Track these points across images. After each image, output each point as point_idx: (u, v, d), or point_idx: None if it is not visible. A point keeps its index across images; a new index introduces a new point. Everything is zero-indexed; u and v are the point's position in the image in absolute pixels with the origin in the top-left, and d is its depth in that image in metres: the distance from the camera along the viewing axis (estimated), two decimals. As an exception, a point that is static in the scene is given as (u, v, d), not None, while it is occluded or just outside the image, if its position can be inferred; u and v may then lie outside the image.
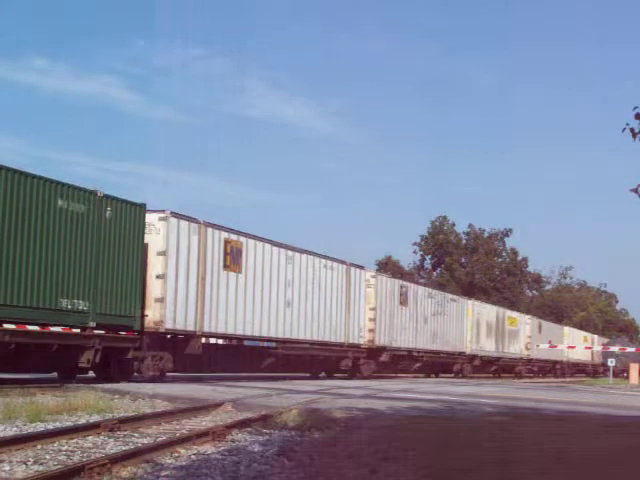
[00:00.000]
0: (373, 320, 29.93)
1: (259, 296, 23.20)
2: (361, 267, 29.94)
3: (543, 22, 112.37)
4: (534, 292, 79.32)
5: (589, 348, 58.78)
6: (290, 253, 25.00)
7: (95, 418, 10.55)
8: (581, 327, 68.54)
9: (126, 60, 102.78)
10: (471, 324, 40.33)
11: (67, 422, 10.13)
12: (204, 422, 10.92)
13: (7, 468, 6.80)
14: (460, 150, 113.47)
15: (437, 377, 37.92)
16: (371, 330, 29.88)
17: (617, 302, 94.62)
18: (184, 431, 9.63)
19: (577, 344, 58.64)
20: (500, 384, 31.48)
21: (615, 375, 43.72)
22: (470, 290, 60.10)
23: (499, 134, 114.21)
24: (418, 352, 34.26)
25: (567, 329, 60.24)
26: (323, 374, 29.77)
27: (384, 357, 30.99)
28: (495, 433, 10.58)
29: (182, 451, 8.07)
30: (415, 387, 22.78)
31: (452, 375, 39.48)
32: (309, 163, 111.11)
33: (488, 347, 42.69)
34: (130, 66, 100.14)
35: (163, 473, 6.84)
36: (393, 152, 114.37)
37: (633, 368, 40.77)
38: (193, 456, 7.85)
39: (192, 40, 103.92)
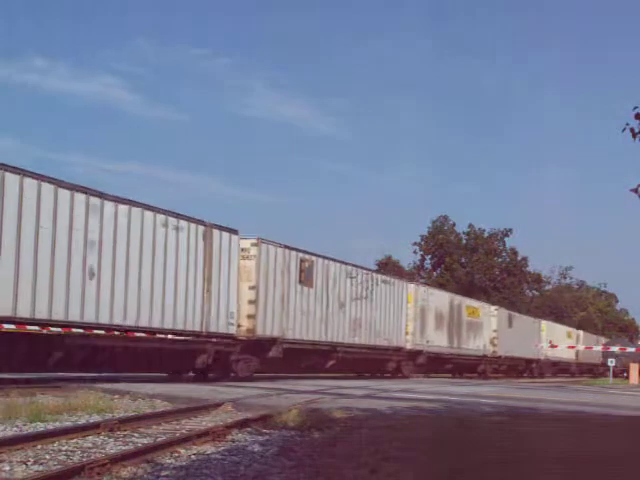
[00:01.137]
0: (254, 303, 22.68)
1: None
2: (233, 231, 22.11)
3: (544, 23, 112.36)
4: (534, 292, 79.29)
5: (589, 348, 57.85)
6: (97, 201, 17.58)
7: (95, 418, 10.55)
8: (581, 327, 68.29)
9: (126, 60, 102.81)
10: (413, 313, 33.20)
11: (67, 422, 10.14)
12: (204, 422, 10.92)
13: (7, 468, 6.81)
14: (460, 150, 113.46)
15: (366, 378, 29.41)
16: (251, 316, 22.65)
17: (617, 302, 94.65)
18: (184, 431, 9.63)
19: (558, 340, 53.02)
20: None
21: (615, 375, 43.70)
22: (470, 290, 60.04)
23: (499, 134, 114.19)
24: (330, 345, 26.96)
25: (545, 323, 54.06)
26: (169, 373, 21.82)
27: (274, 352, 23.68)
28: (495, 433, 10.59)
29: (182, 451, 8.07)
30: (414, 387, 22.78)
31: (389, 375, 32.30)
32: (309, 163, 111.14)
33: (438, 341, 35.60)
34: (130, 66, 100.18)
35: (163, 473, 6.84)
36: (393, 152, 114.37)
37: (633, 368, 40.76)
38: (193, 456, 7.86)
39: (192, 40, 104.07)
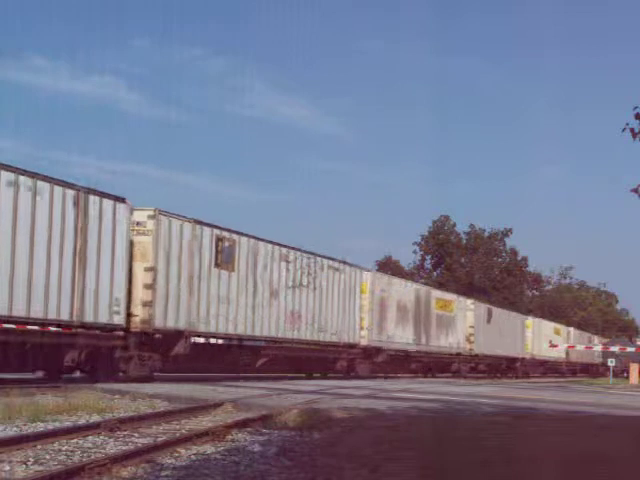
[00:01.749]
0: (151, 288, 18.87)
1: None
2: (119, 199, 18.20)
3: (544, 23, 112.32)
4: (534, 292, 79.32)
5: (589, 348, 57.59)
6: None
7: (95, 418, 10.55)
8: (581, 327, 68.29)
9: (126, 60, 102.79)
10: (370, 305, 29.26)
11: (67, 422, 10.13)
12: (204, 422, 10.92)
13: (7, 468, 6.81)
14: (460, 150, 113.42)
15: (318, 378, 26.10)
16: (147, 304, 18.82)
17: (617, 302, 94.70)
18: (184, 431, 9.63)
19: (545, 337, 50.32)
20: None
21: (615, 375, 43.66)
22: (470, 290, 60.05)
23: (499, 134, 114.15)
24: (260, 340, 23.06)
25: (531, 319, 50.71)
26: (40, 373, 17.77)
27: (179, 348, 19.86)
28: (495, 433, 10.59)
29: (182, 451, 8.07)
30: (414, 387, 22.79)
31: (342, 375, 28.46)
32: (309, 162, 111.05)
33: (402, 337, 31.85)
34: (130, 66, 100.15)
35: (163, 473, 6.84)
36: (393, 152, 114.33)
37: (633, 368, 40.73)
38: (193, 456, 7.86)
39: (192, 40, 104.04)
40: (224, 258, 21.42)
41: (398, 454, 8.29)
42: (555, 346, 49.88)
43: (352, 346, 28.60)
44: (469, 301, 40.89)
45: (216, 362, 22.07)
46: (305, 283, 25.31)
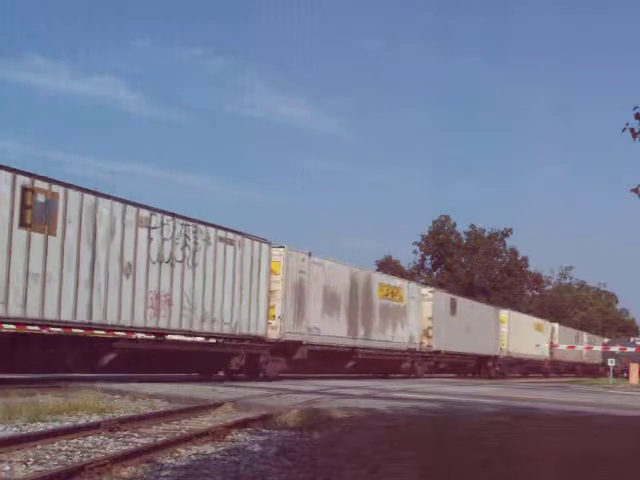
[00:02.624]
0: None
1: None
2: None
3: (545, 23, 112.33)
4: (534, 292, 79.31)
5: (589, 348, 57.18)
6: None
7: (95, 418, 10.55)
8: (581, 327, 68.20)
9: (126, 60, 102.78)
10: (284, 289, 23.78)
11: (67, 422, 10.13)
12: (204, 422, 10.92)
13: (7, 468, 6.80)
14: (460, 150, 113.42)
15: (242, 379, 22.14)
16: None
17: (617, 302, 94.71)
18: (184, 431, 9.63)
19: (525, 334, 46.41)
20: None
21: (615, 375, 43.66)
22: (470, 290, 60.03)
23: (499, 134, 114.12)
24: (106, 331, 17.49)
25: (506, 313, 45.20)
26: None
27: None
28: (495, 433, 10.59)
29: (182, 451, 8.07)
30: (414, 387, 22.80)
31: (243, 376, 22.58)
32: (309, 163, 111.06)
33: (330, 330, 26.33)
34: (130, 66, 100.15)
35: (163, 473, 6.84)
36: (393, 152, 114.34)
37: (633, 368, 40.73)
38: (193, 456, 7.86)
39: (192, 40, 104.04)
40: (36, 216, 15.65)
41: (398, 454, 8.29)
42: (555, 346, 49.68)
43: (257, 339, 22.59)
44: (426, 289, 35.52)
45: (31, 360, 16.16)
46: (180, 258, 19.63)
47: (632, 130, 7.50)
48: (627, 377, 42.21)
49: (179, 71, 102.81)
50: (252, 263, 22.38)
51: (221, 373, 22.63)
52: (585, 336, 61.38)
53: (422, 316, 33.67)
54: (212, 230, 20.94)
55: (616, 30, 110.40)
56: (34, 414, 10.20)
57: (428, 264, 70.93)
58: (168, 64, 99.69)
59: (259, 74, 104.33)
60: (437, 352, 34.70)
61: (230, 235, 21.57)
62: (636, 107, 7.44)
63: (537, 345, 47.87)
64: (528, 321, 49.53)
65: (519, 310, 54.45)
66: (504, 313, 44.79)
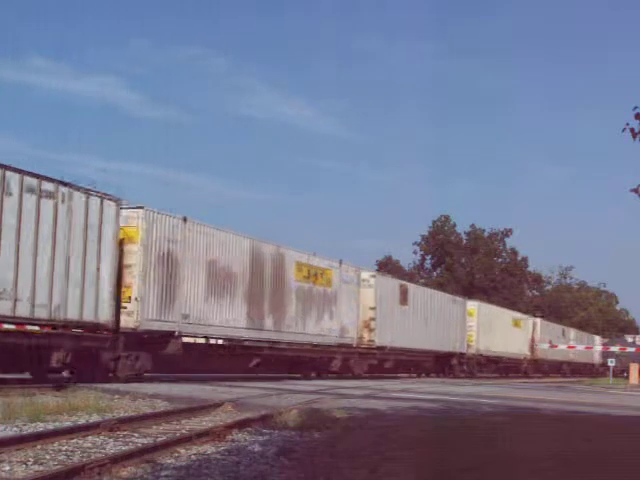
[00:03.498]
0: None
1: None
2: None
3: (543, 22, 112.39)
4: (534, 292, 79.33)
5: (589, 348, 56.77)
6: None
7: (95, 418, 10.55)
8: (581, 327, 68.11)
9: (126, 60, 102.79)
10: (143, 263, 18.62)
11: (67, 422, 10.13)
12: (204, 422, 10.92)
13: (7, 468, 6.80)
14: (460, 150, 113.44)
15: None
16: None
17: (617, 302, 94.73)
18: (184, 431, 9.63)
19: (500, 329, 41.81)
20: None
21: (615, 375, 43.65)
22: (470, 290, 60.05)
23: (499, 134, 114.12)
24: None
25: (476, 305, 40.30)
26: None
27: None
28: (495, 433, 10.58)
29: (182, 451, 8.07)
30: (414, 387, 22.81)
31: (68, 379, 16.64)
32: (309, 162, 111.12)
33: (221, 318, 21.18)
34: (130, 66, 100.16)
35: (163, 473, 6.84)
36: (393, 152, 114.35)
37: (633, 368, 40.73)
38: (193, 456, 7.85)
39: (192, 40, 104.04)
40: None
41: (398, 454, 8.28)
42: (555, 346, 49.12)
43: (94, 328, 17.19)
44: (367, 273, 29.90)
45: None
46: None
47: (632, 130, 7.48)
48: (627, 377, 42.21)
49: (179, 71, 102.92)
50: (88, 226, 16.93)
51: (45, 373, 16.70)
52: (572, 332, 58.02)
53: (362, 305, 28.58)
54: (15, 176, 15.33)
55: (616, 30, 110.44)
56: (34, 414, 10.19)
57: (428, 264, 71.03)
58: (168, 64, 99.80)
59: (259, 74, 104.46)
60: (381, 348, 29.54)
61: (48, 185, 15.99)
62: (636, 107, 7.42)
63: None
64: (504, 315, 44.79)
65: (519, 310, 53.50)
66: (473, 305, 39.87)
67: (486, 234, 70.35)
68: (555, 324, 55.83)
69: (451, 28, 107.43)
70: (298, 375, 25.53)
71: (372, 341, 29.07)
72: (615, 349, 46.43)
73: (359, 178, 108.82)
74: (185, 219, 20.22)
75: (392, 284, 31.36)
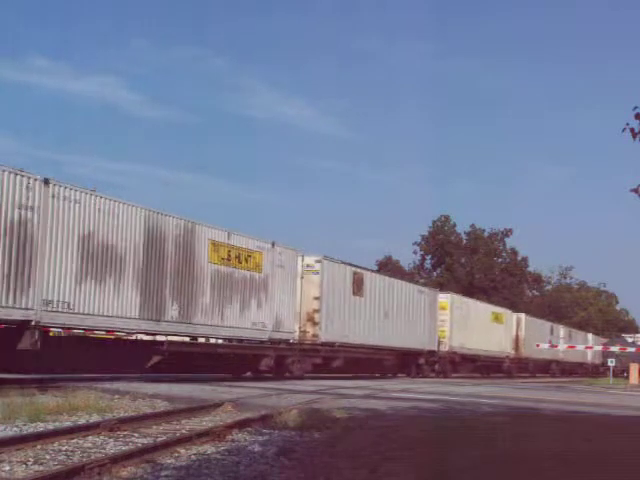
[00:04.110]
0: None
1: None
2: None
3: (543, 22, 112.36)
4: (534, 292, 79.32)
5: (589, 348, 56.13)
6: None
7: (95, 418, 10.55)
8: (581, 327, 68.04)
9: (126, 60, 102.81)
10: None
11: (67, 422, 10.13)
12: (204, 422, 10.92)
13: (7, 468, 6.80)
14: (461, 150, 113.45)
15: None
16: None
17: (617, 302, 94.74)
18: (184, 431, 9.63)
19: (476, 324, 38.28)
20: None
21: (615, 375, 43.61)
22: (470, 290, 60.04)
23: (499, 133, 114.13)
24: None
25: (448, 297, 36.61)
26: None
27: None
28: (495, 433, 10.58)
29: (182, 451, 8.07)
30: (414, 387, 22.81)
31: None
32: (309, 162, 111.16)
33: (96, 306, 17.29)
34: (130, 66, 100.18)
35: (163, 473, 6.84)
36: (393, 152, 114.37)
37: (633, 368, 40.70)
38: (193, 456, 7.85)
39: (192, 40, 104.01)
40: None
41: (398, 454, 8.28)
42: (555, 346, 48.96)
43: None
44: (311, 258, 25.56)
45: None
46: None
47: (632, 130, 7.47)
48: (627, 377, 42.19)
49: (179, 71, 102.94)
50: None
51: None
52: (562, 330, 54.53)
53: (304, 295, 25.07)
54: None
55: (616, 30, 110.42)
56: (34, 414, 10.19)
57: (428, 264, 71.02)
58: (168, 64, 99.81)
59: (259, 74, 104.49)
60: (329, 344, 26.13)
61: None
62: (636, 107, 7.42)
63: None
64: (482, 309, 40.99)
65: (519, 310, 52.47)
66: (444, 298, 36.07)
67: (486, 234, 70.37)
68: (543, 320, 52.39)
69: (451, 28, 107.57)
70: (226, 375, 22.35)
71: (317, 336, 25.32)
72: (615, 349, 46.38)
73: (359, 178, 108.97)
74: (47, 181, 16.29)
75: (343, 271, 27.13)
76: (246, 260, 22.40)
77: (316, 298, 25.42)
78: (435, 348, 34.23)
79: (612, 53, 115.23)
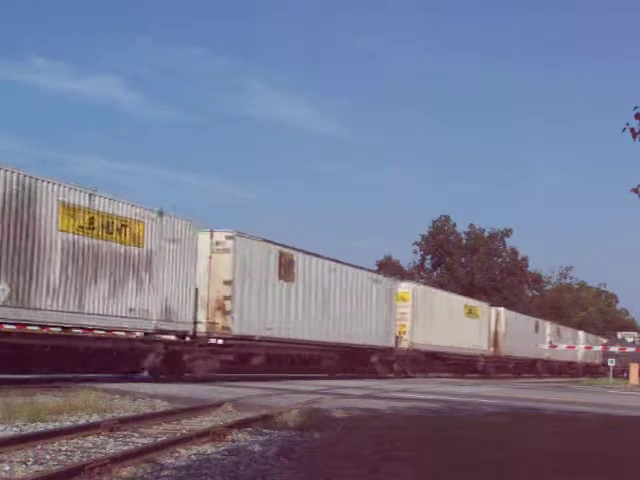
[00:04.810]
0: None
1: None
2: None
3: (542, 22, 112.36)
4: (534, 292, 79.32)
5: (589, 348, 55.90)
6: None
7: (95, 418, 10.54)
8: (581, 327, 67.99)
9: (126, 60, 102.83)
10: None
11: (67, 422, 10.12)
12: (204, 422, 10.91)
13: (7, 468, 6.79)
14: (461, 151, 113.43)
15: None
16: None
17: (617, 302, 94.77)
18: (184, 431, 9.62)
19: (445, 319, 34.30)
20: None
21: (615, 375, 43.58)
22: (470, 290, 60.03)
23: (499, 133, 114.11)
24: None
25: (410, 288, 32.67)
26: None
27: None
28: (495, 433, 10.58)
29: (182, 451, 8.06)
30: (414, 387, 22.80)
31: None
32: (309, 162, 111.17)
33: None
34: (131, 66, 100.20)
35: (163, 473, 6.83)
36: (393, 151, 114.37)
37: (633, 368, 40.70)
38: (193, 456, 7.84)
39: (192, 40, 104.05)
40: None
41: (398, 454, 8.28)
42: (554, 347, 48.55)
43: None
44: (221, 233, 21.43)
45: None
46: None
47: (632, 130, 7.47)
48: (627, 377, 42.18)
49: (179, 71, 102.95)
50: None
51: None
52: (548, 326, 50.80)
53: (212, 278, 20.95)
54: None
55: (616, 30, 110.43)
56: (34, 414, 10.18)
57: (428, 264, 71.01)
58: (168, 64, 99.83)
59: (259, 74, 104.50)
60: (247, 339, 21.97)
61: None
62: (636, 107, 7.42)
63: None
64: (452, 302, 37.02)
65: (517, 310, 51.47)
66: (406, 288, 32.11)
67: (486, 234, 70.39)
68: (526, 316, 48.39)
69: (451, 28, 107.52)
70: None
71: (227, 328, 20.97)
72: (615, 349, 46.34)
73: (359, 178, 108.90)
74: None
75: (265, 251, 22.68)
76: (119, 231, 17.97)
77: (227, 282, 21.06)
78: (392, 345, 30.23)
79: (612, 52, 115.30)
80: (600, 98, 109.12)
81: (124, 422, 9.84)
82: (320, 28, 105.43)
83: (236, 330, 21.29)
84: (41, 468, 6.86)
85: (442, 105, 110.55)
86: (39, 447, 7.93)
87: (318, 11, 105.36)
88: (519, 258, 71.64)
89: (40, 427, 9.49)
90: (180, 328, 19.91)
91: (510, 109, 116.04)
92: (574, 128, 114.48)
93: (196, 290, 20.44)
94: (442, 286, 55.10)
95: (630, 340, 52.34)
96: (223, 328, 20.97)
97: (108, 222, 17.70)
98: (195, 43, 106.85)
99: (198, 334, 20.54)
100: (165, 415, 11.22)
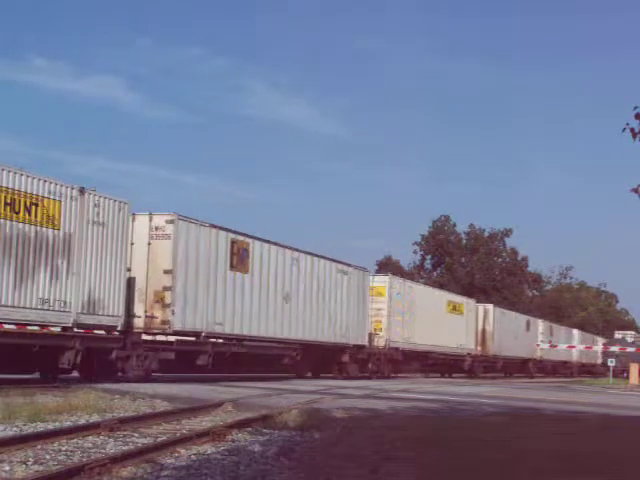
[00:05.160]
0: None
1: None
2: None
3: (542, 23, 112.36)
4: (534, 292, 79.32)
5: (589, 348, 55.76)
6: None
7: (95, 418, 10.54)
8: (581, 327, 67.96)
9: (126, 60, 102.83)
10: None
11: (67, 422, 10.12)
12: (204, 422, 10.91)
13: (7, 468, 6.79)
14: (461, 151, 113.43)
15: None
16: None
17: (617, 302, 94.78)
18: (184, 431, 9.62)
19: (427, 316, 32.07)
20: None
21: (615, 375, 43.57)
22: (470, 290, 60.02)
23: (499, 133, 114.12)
24: None
25: (386, 280, 30.36)
26: None
27: None
28: (495, 433, 10.58)
29: (182, 451, 8.06)
30: (414, 387, 22.80)
31: None
32: (309, 162, 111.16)
33: None
34: (130, 66, 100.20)
35: (163, 473, 6.83)
36: (393, 151, 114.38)
37: (633, 368, 40.69)
38: (193, 456, 7.84)
39: (192, 40, 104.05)
40: None
41: (398, 454, 8.28)
42: (554, 347, 48.40)
43: None
44: (160, 217, 19.42)
45: None
46: None
47: (632, 130, 7.46)
48: (627, 377, 42.18)
49: (179, 71, 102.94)
50: None
51: None
52: (540, 324, 48.97)
53: (151, 267, 19.13)
54: None
55: (616, 30, 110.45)
56: (34, 414, 10.18)
57: (428, 264, 71.00)
58: (168, 64, 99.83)
59: (259, 74, 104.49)
60: (192, 335, 20.15)
61: None
62: (636, 107, 7.41)
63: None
64: (435, 297, 34.99)
65: (518, 311, 51.28)
66: (381, 281, 29.96)
67: (486, 234, 70.39)
68: (517, 313, 46.57)
69: (452, 28, 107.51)
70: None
71: (167, 323, 19.00)
72: (615, 349, 46.34)
73: (359, 178, 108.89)
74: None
75: (214, 237, 20.70)
76: (28, 209, 15.75)
77: (167, 272, 19.07)
78: (365, 343, 28.16)
79: (612, 52, 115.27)
80: (600, 98, 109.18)
81: (124, 422, 9.83)
82: (320, 28, 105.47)
83: (177, 325, 19.26)
84: (41, 468, 6.86)
85: (442, 105, 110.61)
86: (39, 447, 7.93)
87: (318, 11, 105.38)
88: (519, 258, 71.63)
89: (40, 427, 9.49)
90: (106, 322, 17.61)
91: (510, 109, 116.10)
92: (574, 128, 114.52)
93: (131, 280, 18.55)
94: (442, 286, 55.07)
95: (630, 340, 52.32)
96: (162, 322, 18.96)
97: (14, 199, 15.41)
98: (195, 43, 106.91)
99: (136, 329, 18.61)
100: (165, 415, 11.22)
